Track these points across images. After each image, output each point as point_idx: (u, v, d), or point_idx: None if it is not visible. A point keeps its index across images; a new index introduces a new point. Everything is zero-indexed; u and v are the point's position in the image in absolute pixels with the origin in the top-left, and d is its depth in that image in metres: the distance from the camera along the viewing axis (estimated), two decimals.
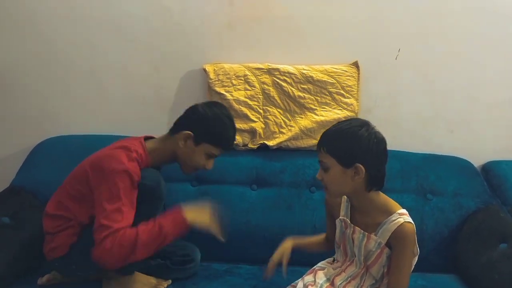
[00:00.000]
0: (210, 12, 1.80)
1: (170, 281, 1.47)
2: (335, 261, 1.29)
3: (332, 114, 1.77)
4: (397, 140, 1.80)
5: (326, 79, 1.76)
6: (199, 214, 1.32)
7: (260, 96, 1.79)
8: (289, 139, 1.78)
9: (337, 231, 1.25)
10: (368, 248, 1.16)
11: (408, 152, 1.79)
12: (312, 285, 1.22)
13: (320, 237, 1.37)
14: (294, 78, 1.76)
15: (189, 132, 1.38)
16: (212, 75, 1.77)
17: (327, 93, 1.78)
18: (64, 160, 1.63)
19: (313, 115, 1.78)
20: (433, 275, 1.54)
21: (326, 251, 1.34)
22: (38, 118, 1.92)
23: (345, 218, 1.22)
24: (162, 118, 1.86)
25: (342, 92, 1.78)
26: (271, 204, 1.68)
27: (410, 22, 1.78)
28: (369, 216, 1.17)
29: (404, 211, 1.15)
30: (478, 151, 1.84)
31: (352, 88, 1.78)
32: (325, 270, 1.26)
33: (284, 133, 1.78)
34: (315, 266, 1.30)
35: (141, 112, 1.89)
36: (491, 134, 1.86)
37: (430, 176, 1.71)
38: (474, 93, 1.83)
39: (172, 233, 1.29)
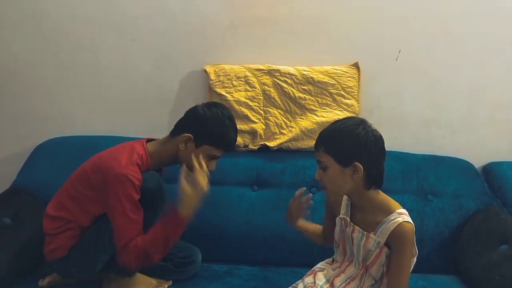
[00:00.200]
0: (211, 13, 1.80)
1: (170, 282, 1.47)
2: (334, 261, 1.29)
3: (333, 115, 1.77)
4: (397, 141, 1.81)
5: (326, 80, 1.76)
6: (189, 205, 1.30)
7: (260, 97, 1.79)
8: (289, 140, 1.78)
9: (337, 229, 1.25)
10: (367, 248, 1.16)
11: (408, 153, 1.79)
12: (312, 287, 1.22)
13: (319, 227, 1.37)
14: (294, 79, 1.77)
15: (189, 134, 1.38)
16: (212, 76, 1.77)
17: (328, 94, 1.78)
18: (65, 161, 1.63)
19: (313, 116, 1.78)
20: (433, 276, 1.54)
21: (323, 247, 1.35)
22: (39, 119, 1.92)
23: (345, 216, 1.22)
24: (163, 118, 1.87)
25: (342, 93, 1.78)
26: (272, 205, 1.68)
27: (410, 23, 1.78)
28: (369, 215, 1.16)
29: (403, 210, 1.15)
30: (479, 152, 1.84)
31: (352, 89, 1.78)
32: (325, 271, 1.26)
33: (284, 134, 1.79)
34: (314, 267, 1.30)
35: (142, 112, 1.90)
36: (492, 135, 1.86)
37: (431, 177, 1.71)
38: (475, 94, 1.83)
39: (174, 235, 1.31)
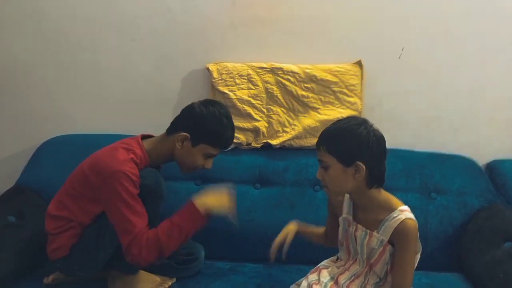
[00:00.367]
0: (213, 11, 1.80)
1: (174, 279, 1.48)
2: (339, 260, 1.29)
3: (336, 113, 1.76)
4: (400, 139, 1.81)
5: (329, 78, 1.76)
6: (217, 201, 1.32)
7: (263, 95, 1.79)
8: (292, 138, 1.78)
9: (340, 229, 1.25)
10: (371, 246, 1.16)
11: (412, 151, 1.79)
12: (316, 284, 1.22)
13: (321, 229, 1.37)
14: (297, 77, 1.77)
15: (186, 133, 1.37)
16: (215, 74, 1.77)
17: (331, 92, 1.78)
18: (68, 159, 1.63)
19: (316, 114, 1.78)
20: (437, 274, 1.54)
21: (326, 247, 1.35)
22: (43, 117, 1.93)
23: (347, 216, 1.22)
24: (165, 117, 1.83)
25: (345, 91, 1.78)
26: (274, 203, 1.69)
27: (413, 22, 1.78)
28: (371, 213, 1.16)
29: (405, 207, 1.15)
30: (483, 150, 1.84)
31: (355, 87, 1.78)
32: (329, 269, 1.26)
33: (287, 132, 1.79)
34: (319, 265, 1.30)
35: (144, 111, 1.90)
36: (495, 133, 1.85)
37: (435, 175, 1.71)
38: (478, 92, 1.83)
39: (192, 227, 1.31)
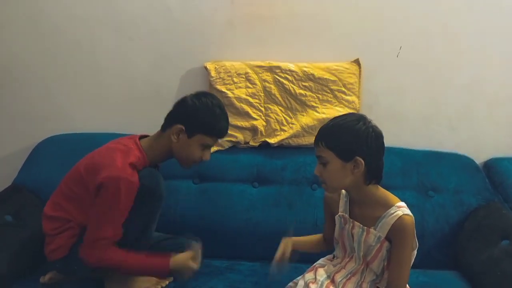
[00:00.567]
0: (211, 9, 1.80)
1: (171, 278, 1.47)
2: (335, 258, 1.29)
3: (334, 111, 1.76)
4: (398, 137, 1.81)
5: (327, 77, 1.76)
6: (183, 264, 1.35)
7: (261, 94, 1.79)
8: (290, 137, 1.78)
9: (336, 227, 1.25)
10: (368, 243, 1.16)
11: (409, 149, 1.79)
12: (313, 283, 1.22)
13: (317, 236, 1.37)
14: (295, 75, 1.76)
15: (180, 125, 1.37)
16: (213, 73, 1.77)
17: (329, 91, 1.78)
18: (66, 158, 1.62)
19: (314, 112, 1.78)
20: (434, 272, 1.54)
21: (324, 251, 1.34)
22: (40, 116, 1.92)
23: (344, 214, 1.22)
24: (163, 116, 1.82)
25: (343, 89, 1.78)
26: (272, 202, 1.69)
27: (411, 20, 1.78)
28: (368, 209, 1.17)
29: (402, 203, 1.15)
30: (480, 148, 1.84)
31: (353, 85, 1.78)
32: (326, 267, 1.26)
33: (285, 131, 1.79)
34: (315, 263, 1.30)
35: (142, 110, 1.90)
36: (493, 131, 1.85)
37: (432, 173, 1.71)
38: (475, 90, 1.83)
39: (150, 273, 1.38)
